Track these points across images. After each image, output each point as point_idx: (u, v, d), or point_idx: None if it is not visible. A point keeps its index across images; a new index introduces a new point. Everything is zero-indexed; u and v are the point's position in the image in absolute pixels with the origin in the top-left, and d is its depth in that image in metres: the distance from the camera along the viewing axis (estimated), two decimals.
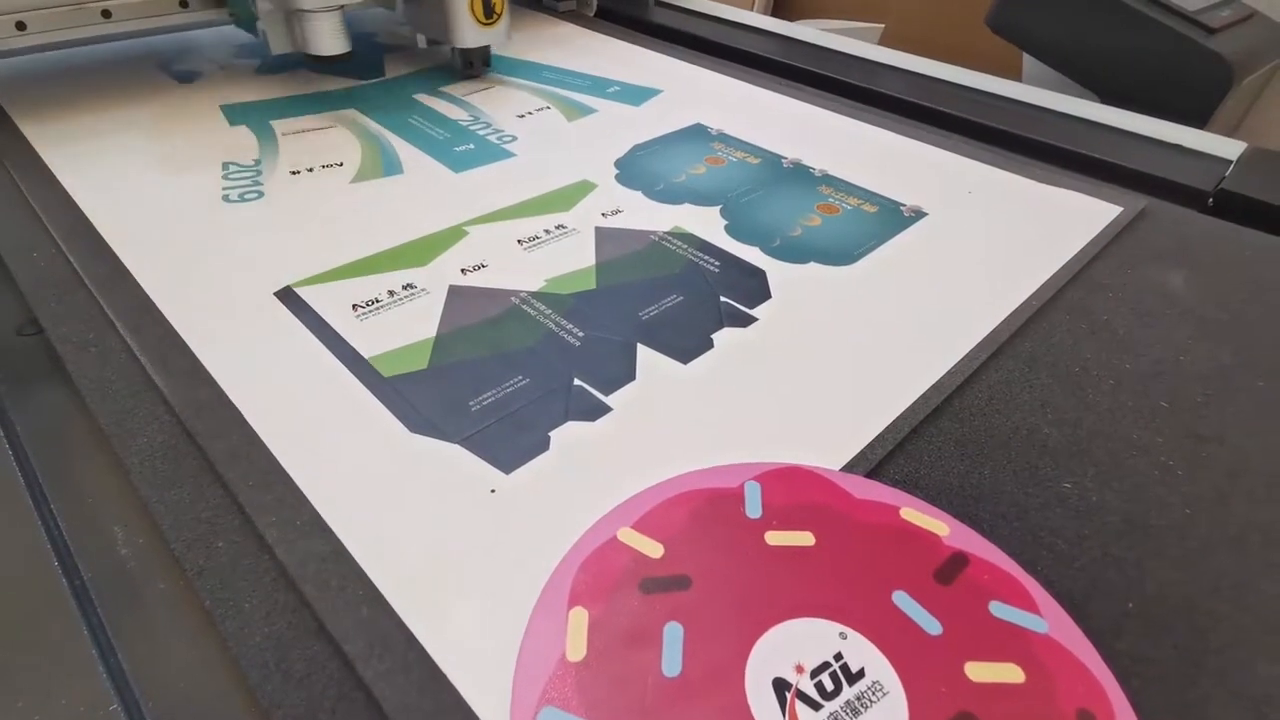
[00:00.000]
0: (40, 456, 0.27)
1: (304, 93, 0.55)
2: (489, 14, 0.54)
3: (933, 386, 0.30)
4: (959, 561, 0.23)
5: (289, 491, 0.24)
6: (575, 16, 0.77)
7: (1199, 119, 0.76)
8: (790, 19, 1.55)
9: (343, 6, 0.51)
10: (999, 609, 0.21)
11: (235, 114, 0.51)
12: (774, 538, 0.23)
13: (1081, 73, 0.85)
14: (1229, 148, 0.53)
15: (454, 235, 0.39)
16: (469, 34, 0.55)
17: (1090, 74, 0.84)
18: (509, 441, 0.27)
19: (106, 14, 0.49)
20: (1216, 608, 0.23)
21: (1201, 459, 0.28)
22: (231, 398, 0.28)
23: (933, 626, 0.21)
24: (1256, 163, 0.51)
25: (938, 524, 0.24)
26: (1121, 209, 0.44)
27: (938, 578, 0.22)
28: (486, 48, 0.58)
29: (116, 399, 0.28)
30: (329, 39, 0.51)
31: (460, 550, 0.23)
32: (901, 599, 0.22)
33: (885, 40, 1.34)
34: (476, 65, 0.59)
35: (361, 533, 0.23)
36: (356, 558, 0.22)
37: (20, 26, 0.47)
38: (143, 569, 0.23)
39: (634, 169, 0.46)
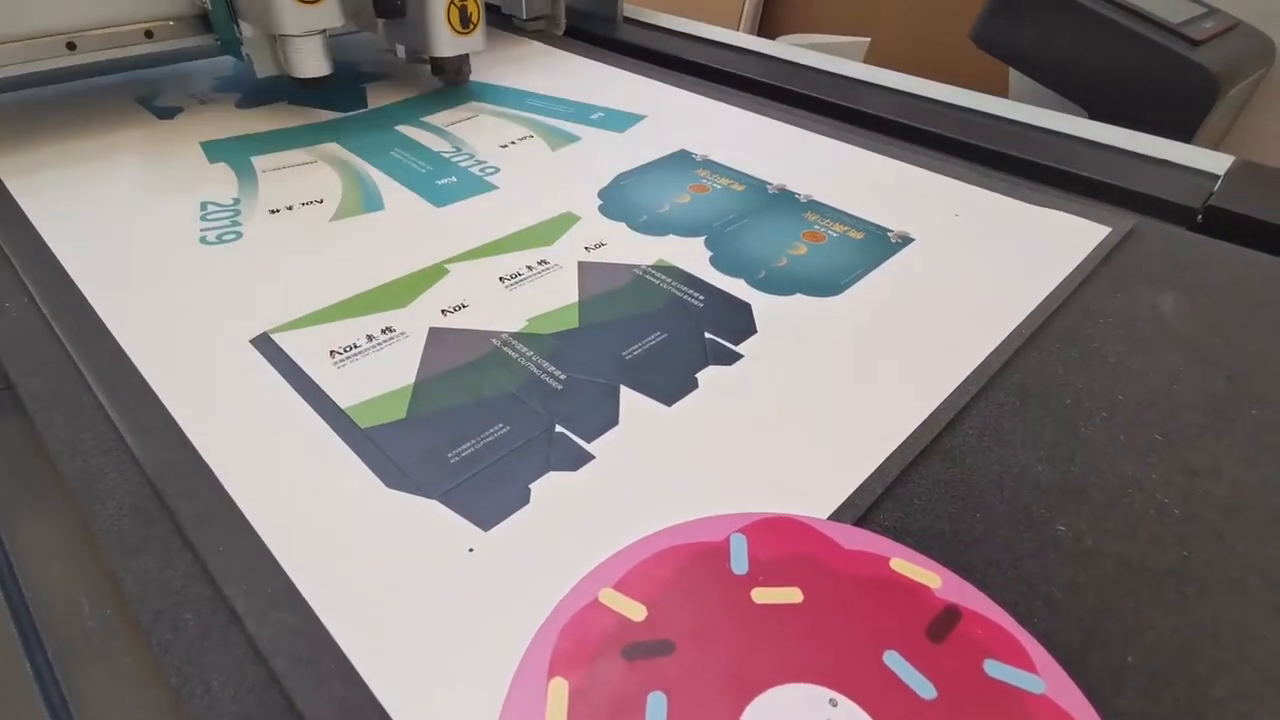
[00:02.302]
0: (7, 519, 0.27)
1: (285, 127, 0.54)
2: (465, 23, 0.56)
3: (922, 424, 0.30)
4: (952, 616, 0.22)
5: (260, 557, 0.24)
6: (544, 35, 0.77)
7: (1185, 131, 0.76)
8: (776, 32, 1.56)
9: (324, 31, 0.52)
10: (994, 668, 0.21)
11: (215, 150, 0.50)
12: (761, 595, 0.23)
13: (1067, 87, 0.85)
14: (1216, 162, 0.53)
15: (435, 274, 0.38)
16: (446, 43, 0.56)
17: (1076, 88, 0.84)
18: (488, 496, 0.26)
19: (71, 46, 0.49)
20: (1217, 656, 0.22)
21: (1198, 495, 0.27)
22: (204, 456, 0.27)
23: (926, 690, 0.20)
24: (1244, 177, 0.51)
25: (929, 575, 0.23)
26: (1110, 229, 0.43)
27: (930, 635, 0.22)
28: (465, 56, 0.59)
29: (86, 458, 0.27)
30: (312, 62, 0.53)
31: (437, 617, 0.22)
32: (893, 659, 0.21)
33: (872, 54, 1.34)
34: (464, 73, 0.60)
35: (335, 601, 0.22)
36: (329, 628, 0.22)
37: None
38: (109, 643, 0.22)
39: (618, 199, 0.46)
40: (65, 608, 0.23)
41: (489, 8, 0.80)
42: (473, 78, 0.64)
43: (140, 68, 0.63)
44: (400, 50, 0.62)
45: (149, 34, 0.52)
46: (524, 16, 0.77)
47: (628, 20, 0.82)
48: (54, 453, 0.28)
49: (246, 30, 0.52)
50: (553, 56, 0.71)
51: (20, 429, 0.30)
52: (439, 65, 0.59)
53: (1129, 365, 0.34)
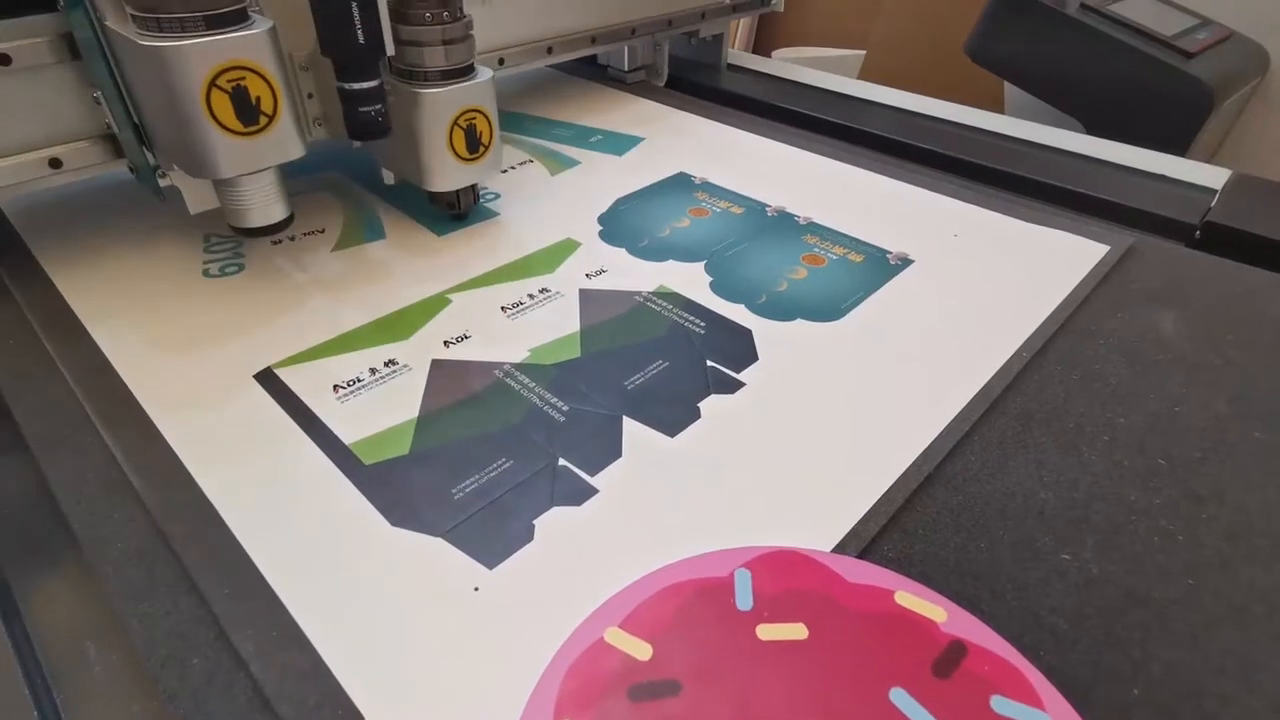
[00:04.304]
0: (12, 562, 0.27)
1: None
2: (474, 148, 0.42)
3: (925, 451, 0.30)
4: (958, 651, 0.22)
5: (266, 600, 0.24)
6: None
7: (1181, 143, 0.76)
8: (771, 46, 1.57)
9: (275, 166, 0.37)
10: (1001, 704, 0.21)
11: None
12: (766, 631, 0.23)
13: (1062, 100, 0.85)
14: (1213, 176, 0.54)
15: (437, 304, 0.38)
16: (447, 174, 0.42)
17: (1071, 101, 0.84)
18: (493, 533, 0.26)
19: None
20: (1224, 689, 0.22)
21: (1202, 521, 0.27)
22: (209, 496, 0.27)
23: None
24: (1241, 191, 0.51)
25: (934, 609, 0.23)
26: (1108, 248, 0.44)
27: (936, 671, 0.22)
28: (473, 186, 0.45)
29: (91, 501, 0.27)
30: (259, 207, 0.38)
31: (444, 659, 0.22)
32: (899, 697, 0.21)
33: (867, 67, 1.35)
34: (463, 205, 0.45)
35: (341, 643, 0.22)
36: (335, 672, 0.22)
37: None
38: (115, 689, 0.22)
39: (618, 225, 0.46)
40: (72, 653, 0.23)
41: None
42: None
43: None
44: (388, 175, 0.45)
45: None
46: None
47: None
48: (58, 495, 0.28)
49: (164, 161, 0.38)
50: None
51: (24, 470, 0.30)
52: (435, 197, 0.45)
53: (1131, 387, 0.34)
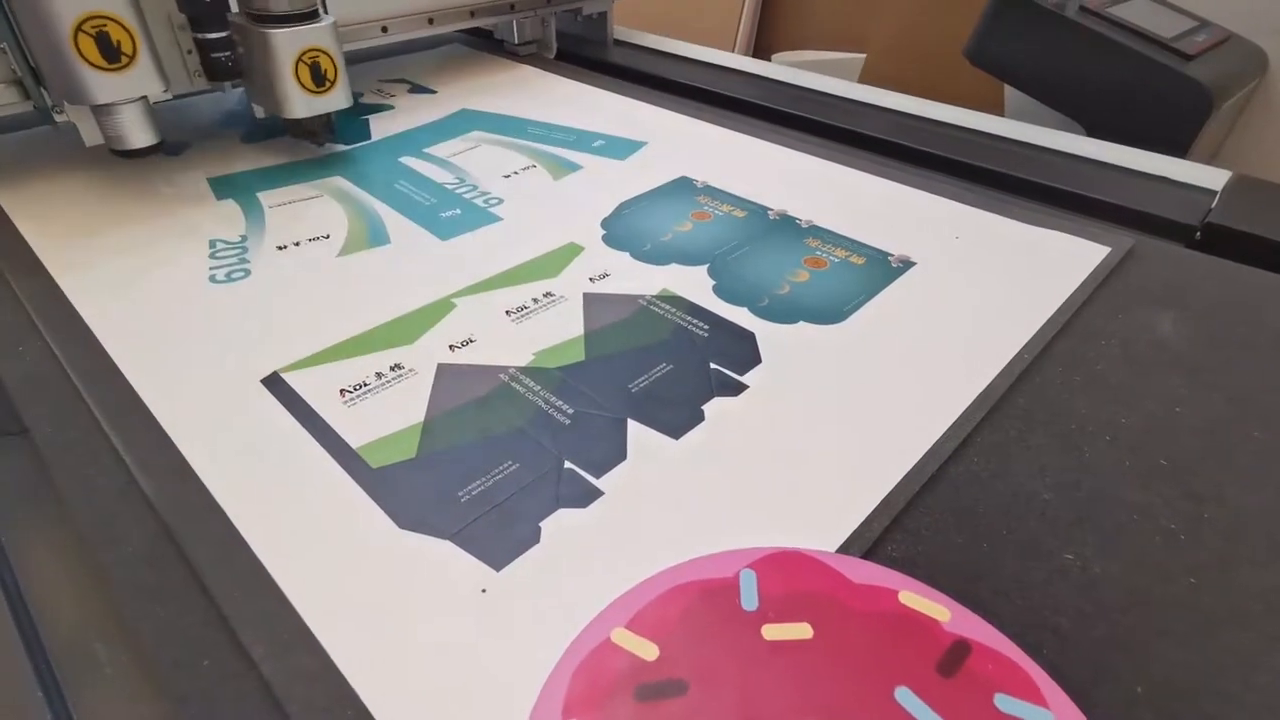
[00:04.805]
0: (23, 564, 0.27)
1: (290, 161, 0.55)
2: (319, 81, 0.49)
3: (928, 452, 0.30)
4: (961, 650, 0.22)
5: (276, 601, 0.24)
6: (536, 59, 0.78)
7: (1181, 145, 0.76)
8: (771, 49, 1.58)
9: (144, 98, 0.46)
10: (1004, 702, 0.21)
11: (222, 187, 0.51)
12: (771, 631, 0.23)
13: (1062, 103, 0.85)
14: (1213, 177, 0.54)
15: (442, 308, 0.38)
16: (297, 103, 0.49)
17: (1071, 104, 0.85)
18: (500, 535, 0.26)
19: None
20: (1225, 687, 0.22)
21: (1202, 521, 0.28)
22: (218, 499, 0.27)
23: None
24: (1241, 192, 0.52)
25: (938, 608, 0.24)
26: (1109, 249, 0.44)
27: (940, 669, 0.22)
28: (327, 116, 0.52)
29: (101, 503, 0.28)
30: (135, 131, 0.46)
31: (452, 660, 0.22)
32: (904, 696, 0.21)
33: (867, 70, 1.35)
34: (320, 135, 0.54)
35: (351, 644, 0.23)
36: (345, 674, 0.22)
37: None
38: (125, 690, 0.23)
39: (621, 228, 0.46)
40: (82, 655, 0.24)
41: (481, 33, 0.82)
42: (473, 106, 0.65)
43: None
44: (259, 111, 0.53)
45: None
46: (515, 41, 0.78)
47: (618, 43, 0.84)
48: (68, 497, 0.28)
49: (63, 105, 0.46)
50: (548, 81, 0.72)
51: (34, 473, 0.30)
52: (293, 125, 0.53)
53: (1131, 388, 0.34)
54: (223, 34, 0.48)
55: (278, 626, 0.23)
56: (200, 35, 0.47)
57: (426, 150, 0.57)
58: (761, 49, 1.65)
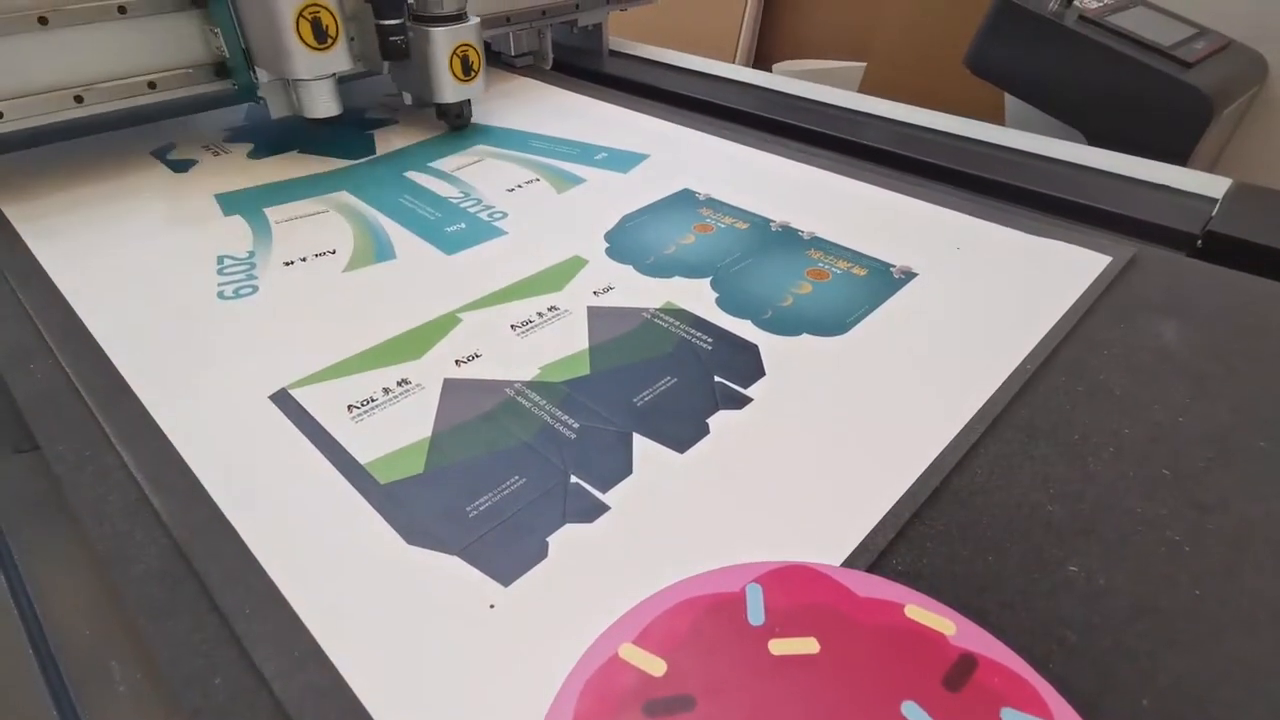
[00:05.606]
0: (37, 582, 0.27)
1: (296, 176, 0.56)
2: (467, 71, 0.60)
3: (931, 465, 0.30)
4: (968, 664, 0.22)
5: (287, 619, 0.24)
6: (533, 70, 0.79)
7: (1181, 152, 0.77)
8: (771, 59, 1.59)
9: (334, 75, 0.55)
10: (1011, 717, 0.21)
11: (229, 203, 0.51)
12: (778, 646, 0.23)
13: (1062, 111, 0.86)
14: (1214, 185, 0.54)
15: (448, 323, 0.39)
16: (449, 90, 0.60)
17: (1071, 112, 0.85)
18: (507, 550, 0.26)
19: (79, 99, 0.51)
20: (1231, 697, 0.22)
21: (1207, 531, 0.28)
22: (229, 516, 0.28)
23: None
24: (1242, 200, 0.52)
25: (944, 622, 0.24)
26: (1111, 259, 0.44)
27: (946, 684, 0.22)
28: (466, 101, 0.63)
29: (113, 520, 0.28)
30: (322, 103, 0.56)
31: (462, 677, 0.23)
32: (911, 710, 0.21)
33: (867, 79, 1.36)
34: (465, 117, 0.64)
35: (361, 660, 0.23)
36: (355, 690, 0.22)
37: None
38: (139, 708, 0.23)
39: (624, 241, 0.47)
40: (96, 672, 0.24)
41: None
42: (474, 119, 0.65)
43: (153, 119, 0.65)
44: (407, 96, 0.65)
45: (152, 85, 0.54)
46: (512, 53, 0.79)
47: (614, 54, 0.84)
48: (80, 515, 0.28)
49: (262, 76, 0.55)
50: (546, 92, 0.73)
51: (46, 490, 0.31)
52: (442, 110, 0.63)
53: (1135, 398, 0.34)
54: (399, 20, 0.56)
55: (288, 643, 0.23)
56: (383, 21, 0.56)
57: (431, 164, 0.58)
58: (762, 58, 1.65)
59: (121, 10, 0.51)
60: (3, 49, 0.47)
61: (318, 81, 0.55)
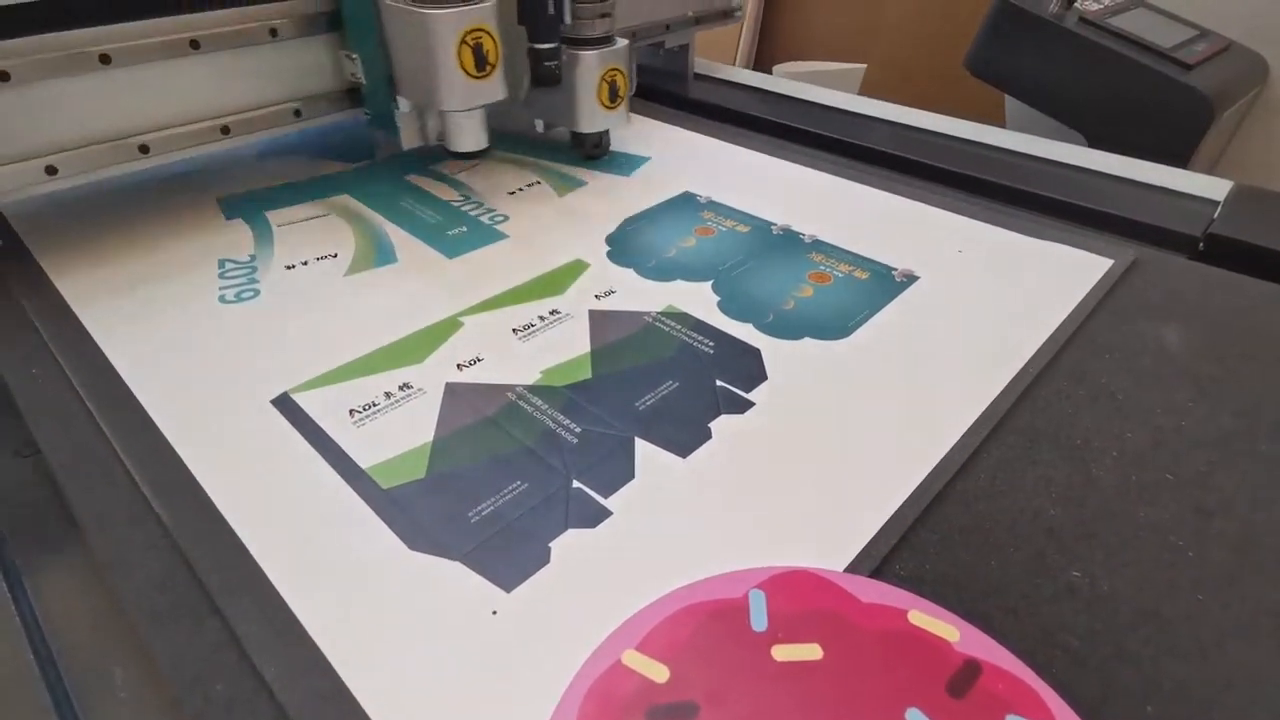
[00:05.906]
0: (39, 588, 0.27)
1: (298, 180, 0.56)
2: (614, 98, 0.55)
3: (934, 470, 0.30)
4: (972, 670, 0.22)
5: (288, 624, 0.24)
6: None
7: (1182, 154, 0.77)
8: (772, 60, 1.59)
9: (486, 106, 0.51)
10: None
11: (231, 207, 0.51)
12: (781, 652, 0.23)
13: (1063, 113, 0.86)
14: (1215, 188, 0.54)
15: (449, 327, 0.39)
16: (595, 118, 0.55)
17: (1072, 114, 0.85)
18: (510, 555, 0.26)
19: (144, 149, 0.46)
20: (1234, 703, 0.22)
21: (1210, 536, 0.28)
22: (230, 522, 0.28)
23: None
24: (1243, 202, 0.52)
25: (947, 628, 0.24)
26: (1112, 261, 0.44)
27: (950, 690, 0.22)
28: (606, 130, 0.58)
29: (115, 527, 0.28)
30: (472, 135, 0.52)
31: (464, 683, 0.23)
32: (915, 717, 0.21)
33: (867, 81, 1.36)
34: (604, 146, 0.60)
35: (362, 667, 0.23)
36: (357, 696, 0.22)
37: (50, 171, 0.42)
38: (141, 714, 0.23)
39: (625, 245, 0.47)
40: (98, 678, 0.24)
41: None
42: None
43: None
44: (539, 124, 0.59)
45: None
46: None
47: None
48: (82, 522, 0.28)
49: (403, 105, 0.52)
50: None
51: (48, 495, 0.31)
52: (579, 139, 0.58)
53: (1137, 402, 0.34)
54: (555, 44, 0.51)
55: (290, 649, 0.23)
56: (538, 45, 0.51)
57: (432, 167, 0.58)
58: (763, 59, 1.65)
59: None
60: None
61: (468, 113, 0.51)
